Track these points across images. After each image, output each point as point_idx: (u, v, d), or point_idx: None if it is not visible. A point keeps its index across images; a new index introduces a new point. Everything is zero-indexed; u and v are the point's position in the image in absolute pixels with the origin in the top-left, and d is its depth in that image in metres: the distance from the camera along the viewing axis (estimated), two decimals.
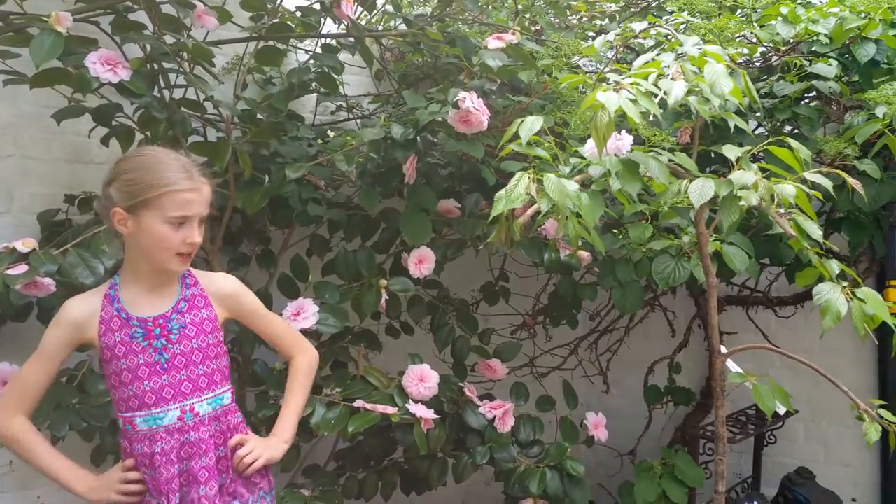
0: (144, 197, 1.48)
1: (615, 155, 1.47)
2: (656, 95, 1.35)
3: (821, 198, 1.62)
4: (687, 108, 2.03)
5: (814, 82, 2.24)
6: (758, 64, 2.51)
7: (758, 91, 2.36)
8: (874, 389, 3.06)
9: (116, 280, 1.59)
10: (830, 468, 3.15)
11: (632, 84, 1.31)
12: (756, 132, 2.53)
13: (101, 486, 1.55)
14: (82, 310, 1.56)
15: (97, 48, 1.86)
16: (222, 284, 1.69)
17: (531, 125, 1.43)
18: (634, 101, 1.27)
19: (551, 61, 2.21)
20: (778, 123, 2.45)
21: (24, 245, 1.83)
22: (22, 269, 1.76)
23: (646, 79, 1.41)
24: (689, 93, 1.42)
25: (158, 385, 1.55)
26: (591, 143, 1.48)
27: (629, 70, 1.55)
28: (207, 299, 1.63)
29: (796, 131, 2.44)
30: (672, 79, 1.38)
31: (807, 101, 2.50)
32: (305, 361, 1.78)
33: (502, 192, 1.40)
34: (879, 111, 2.13)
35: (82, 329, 1.55)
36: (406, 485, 2.44)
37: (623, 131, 1.45)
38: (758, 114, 2.43)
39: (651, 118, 1.35)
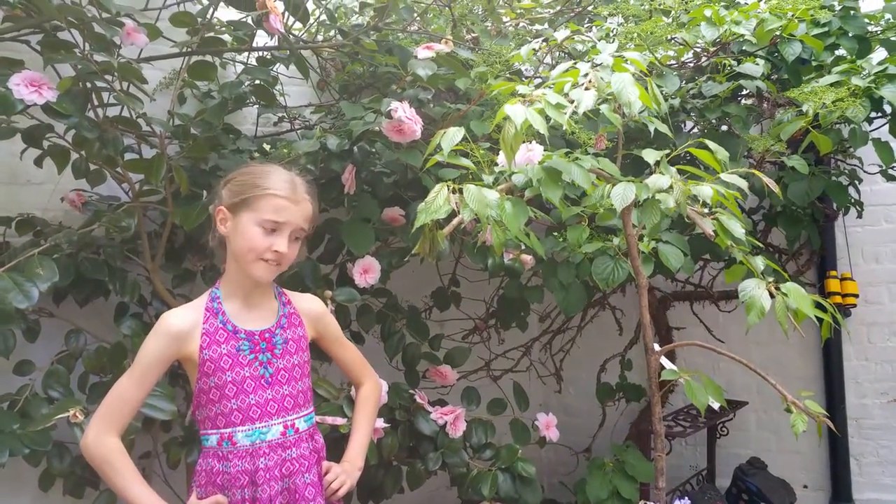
0: (245, 196, 1.51)
1: (534, 164, 1.50)
2: (570, 105, 1.37)
3: (738, 196, 1.66)
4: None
5: (741, 81, 2.30)
6: (690, 65, 2.56)
7: (688, 91, 2.41)
8: (819, 378, 3.14)
9: (217, 293, 1.57)
10: (782, 456, 3.22)
11: (541, 96, 1.33)
12: (691, 132, 2.58)
13: None
14: (184, 322, 1.52)
15: (22, 69, 1.84)
16: (313, 305, 1.71)
17: (452, 136, 1.45)
18: (542, 113, 1.29)
19: (486, 69, 2.23)
20: (713, 122, 2.50)
21: None
22: None
23: (562, 88, 1.44)
24: (602, 101, 1.45)
25: (264, 399, 1.53)
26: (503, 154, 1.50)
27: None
28: (300, 318, 1.65)
29: (729, 130, 2.49)
30: (585, 88, 1.41)
31: (740, 99, 2.56)
32: (374, 389, 1.83)
33: (423, 204, 1.42)
34: (805, 108, 2.18)
35: (183, 341, 1.51)
36: (362, 494, 2.45)
37: (533, 142, 1.48)
38: (692, 114, 2.49)
39: (564, 126, 1.37)
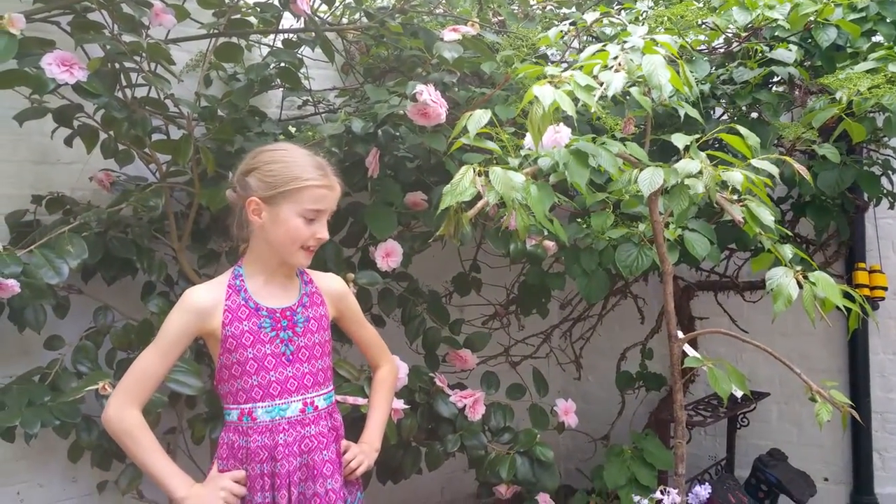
0: (285, 189, 1.50)
1: (561, 147, 1.49)
2: (599, 87, 1.36)
3: (767, 183, 1.63)
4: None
5: (773, 68, 2.26)
6: (721, 50, 2.53)
7: (719, 77, 2.38)
8: (844, 371, 3.10)
9: (240, 271, 1.59)
10: (803, 449, 3.19)
11: (569, 77, 1.32)
12: (720, 119, 2.55)
13: (204, 495, 1.48)
14: (207, 298, 1.53)
15: (53, 49, 1.86)
16: (335, 284, 1.72)
17: (479, 119, 1.45)
18: (571, 95, 1.28)
19: (513, 52, 2.21)
20: (743, 109, 2.46)
21: None
22: None
23: (591, 70, 1.42)
24: (632, 84, 1.43)
25: (284, 376, 1.55)
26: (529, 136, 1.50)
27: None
28: (322, 297, 1.66)
29: (760, 117, 2.45)
30: (615, 70, 1.40)
31: (771, 86, 2.52)
32: (391, 371, 1.84)
33: (448, 186, 1.41)
34: (839, 95, 2.14)
35: (206, 317, 1.52)
36: (381, 474, 2.47)
37: (560, 124, 1.47)
38: (722, 101, 2.45)
39: (592, 108, 1.36)
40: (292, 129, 2.27)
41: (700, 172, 1.47)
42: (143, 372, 1.51)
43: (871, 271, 2.98)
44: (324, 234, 1.55)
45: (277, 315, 1.56)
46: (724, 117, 2.57)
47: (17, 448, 2.21)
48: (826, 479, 3.17)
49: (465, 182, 1.39)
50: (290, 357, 1.56)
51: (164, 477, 1.48)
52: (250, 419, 1.54)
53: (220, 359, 1.55)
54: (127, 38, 1.97)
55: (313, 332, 1.61)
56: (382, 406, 1.81)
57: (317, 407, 1.59)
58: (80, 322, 2.29)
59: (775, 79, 2.45)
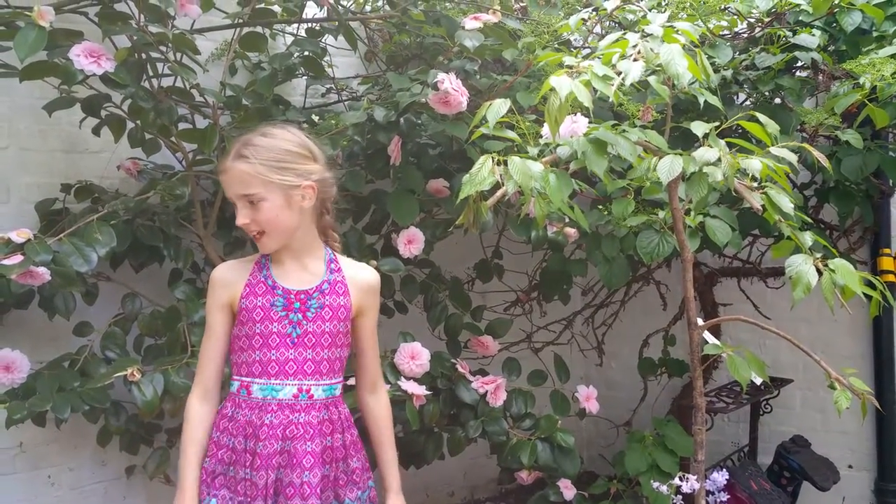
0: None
1: (579, 136, 1.50)
2: (617, 76, 1.37)
3: (787, 170, 1.63)
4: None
5: (796, 53, 2.23)
6: (744, 36, 2.50)
7: (741, 63, 2.36)
8: (869, 357, 3.08)
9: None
10: (827, 436, 3.17)
11: (587, 67, 1.33)
12: (743, 104, 2.53)
13: None
14: (232, 271, 1.62)
15: (81, 40, 1.90)
16: (368, 276, 1.70)
17: (497, 109, 1.46)
18: (588, 85, 1.29)
19: (534, 39, 2.21)
20: (766, 95, 2.44)
21: (19, 235, 1.88)
22: (17, 259, 1.81)
23: (610, 60, 1.43)
24: (651, 72, 1.43)
25: (284, 357, 1.56)
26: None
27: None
28: (347, 287, 1.63)
29: (783, 103, 2.43)
30: (633, 59, 1.40)
31: (795, 71, 2.49)
32: (387, 406, 1.75)
33: (468, 175, 1.43)
34: (862, 80, 2.12)
35: (230, 288, 1.58)
36: (404, 459, 2.50)
37: (578, 114, 1.48)
38: (745, 86, 2.43)
39: (610, 98, 1.37)
40: (315, 118, 2.29)
41: (718, 160, 1.47)
42: (201, 359, 1.61)
43: None
44: (238, 220, 1.54)
45: (291, 296, 1.58)
46: (748, 103, 2.55)
47: (48, 433, 2.27)
48: (850, 467, 3.15)
49: (483, 171, 1.40)
50: (295, 340, 1.57)
51: (181, 482, 1.55)
52: (246, 392, 1.57)
53: (233, 330, 1.60)
54: (153, 28, 2.00)
55: (325, 319, 1.59)
56: (391, 445, 1.74)
57: (312, 395, 1.57)
58: (108, 309, 2.35)
59: (798, 64, 2.42)
